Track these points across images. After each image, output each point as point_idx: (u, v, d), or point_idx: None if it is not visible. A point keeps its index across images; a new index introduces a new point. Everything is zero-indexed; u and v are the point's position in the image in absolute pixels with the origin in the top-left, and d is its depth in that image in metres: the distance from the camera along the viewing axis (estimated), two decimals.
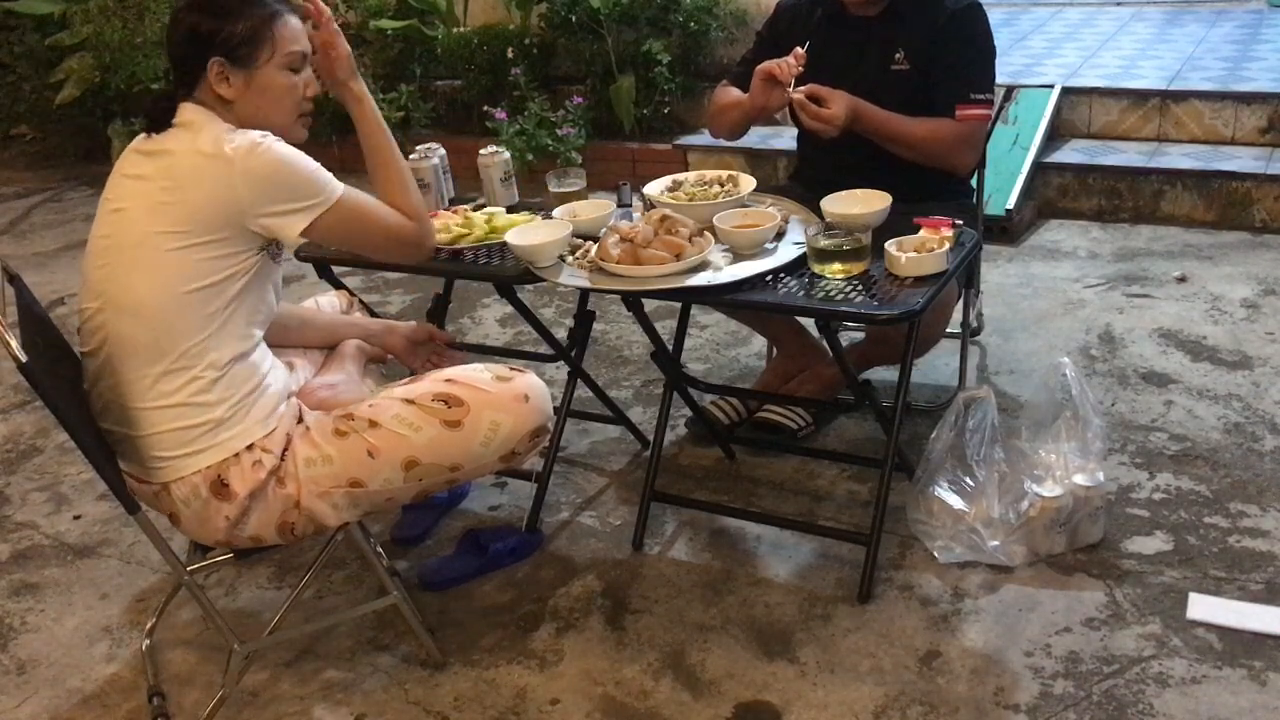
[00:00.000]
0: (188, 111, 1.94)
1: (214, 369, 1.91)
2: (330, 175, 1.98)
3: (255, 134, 1.91)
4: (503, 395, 2.05)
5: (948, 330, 2.81)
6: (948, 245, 2.19)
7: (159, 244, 1.87)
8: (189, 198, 1.87)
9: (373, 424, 2.00)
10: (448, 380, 2.07)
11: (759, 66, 2.53)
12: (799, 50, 2.49)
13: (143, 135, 1.97)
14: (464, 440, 2.02)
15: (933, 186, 2.65)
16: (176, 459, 1.92)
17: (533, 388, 2.10)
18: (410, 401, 2.03)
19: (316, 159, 1.97)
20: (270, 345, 2.09)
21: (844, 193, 2.39)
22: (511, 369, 2.13)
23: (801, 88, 2.47)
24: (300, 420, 2.03)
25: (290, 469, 1.96)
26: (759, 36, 2.87)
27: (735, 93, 2.72)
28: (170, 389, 1.90)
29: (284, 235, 1.94)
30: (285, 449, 1.97)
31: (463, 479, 2.11)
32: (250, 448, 1.94)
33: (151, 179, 1.90)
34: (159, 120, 1.95)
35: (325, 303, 2.46)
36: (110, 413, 1.96)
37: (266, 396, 1.98)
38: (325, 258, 2.55)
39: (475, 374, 2.09)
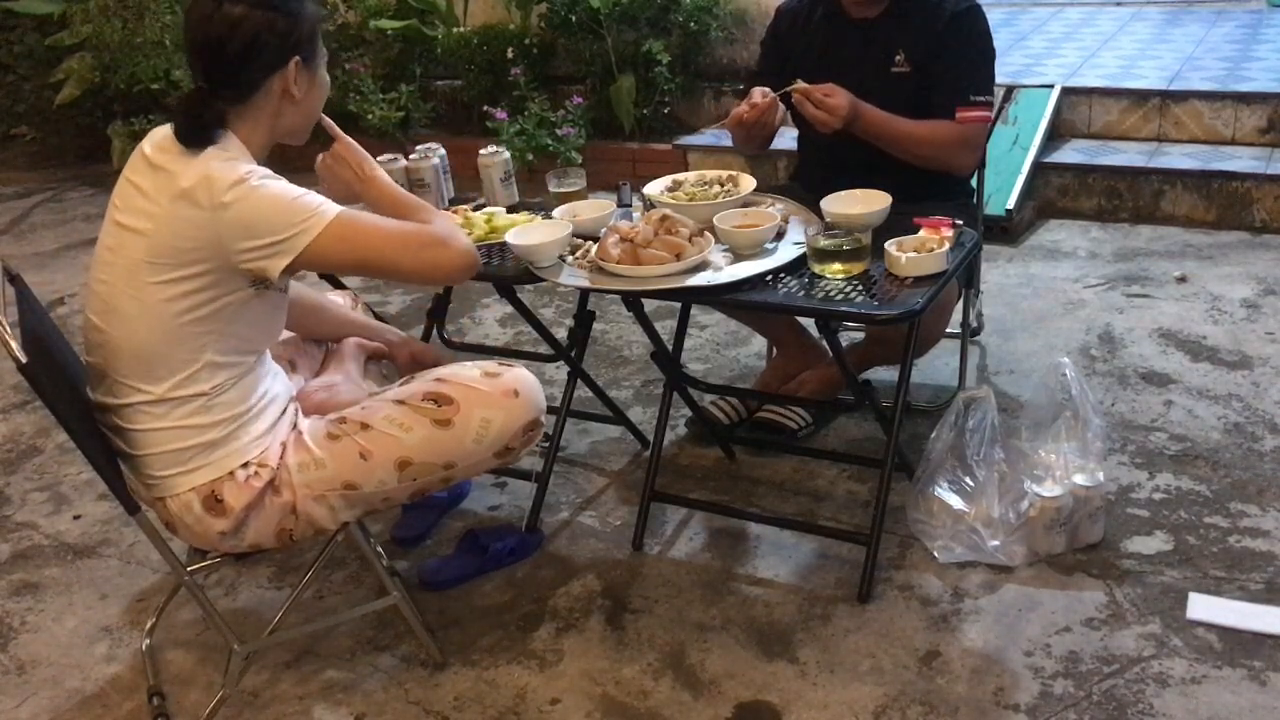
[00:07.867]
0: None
1: (207, 395, 1.88)
2: (318, 198, 1.87)
3: (242, 170, 1.81)
4: (492, 392, 2.05)
5: (948, 330, 2.81)
6: (948, 245, 2.19)
7: (147, 275, 1.82)
8: (169, 231, 1.81)
9: (364, 426, 2.00)
10: (437, 379, 2.07)
11: (732, 122, 2.52)
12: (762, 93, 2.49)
13: (168, 133, 1.87)
14: (455, 439, 2.02)
15: (933, 186, 2.65)
16: (170, 477, 1.91)
17: (522, 382, 2.09)
18: (401, 402, 2.03)
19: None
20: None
21: (844, 193, 2.38)
22: (501, 364, 2.13)
23: (799, 86, 2.47)
24: (294, 426, 2.02)
25: (285, 476, 1.95)
26: (763, 45, 2.88)
27: None
28: (162, 412, 1.88)
29: (268, 273, 1.85)
30: (280, 458, 1.96)
31: (459, 477, 2.10)
32: (245, 464, 1.92)
33: (148, 196, 1.84)
34: (199, 133, 1.84)
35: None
36: (107, 426, 1.95)
37: (265, 414, 1.96)
38: None
39: (464, 371, 2.09)
